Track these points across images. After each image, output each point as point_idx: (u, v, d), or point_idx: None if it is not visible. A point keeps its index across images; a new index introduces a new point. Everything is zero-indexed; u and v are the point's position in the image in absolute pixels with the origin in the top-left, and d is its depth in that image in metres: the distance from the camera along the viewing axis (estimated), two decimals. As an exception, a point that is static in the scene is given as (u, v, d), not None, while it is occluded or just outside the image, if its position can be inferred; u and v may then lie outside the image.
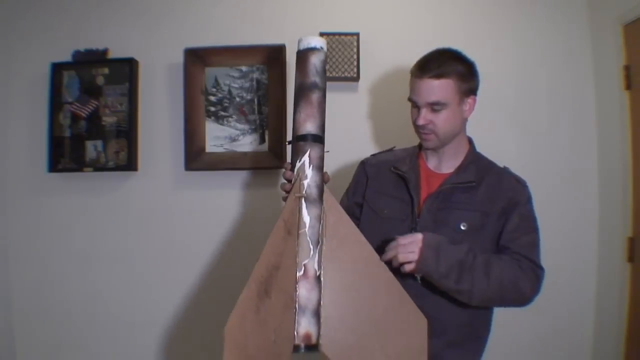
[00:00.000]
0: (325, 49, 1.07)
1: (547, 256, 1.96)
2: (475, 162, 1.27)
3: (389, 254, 1.10)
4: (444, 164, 1.28)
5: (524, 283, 1.14)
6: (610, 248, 1.90)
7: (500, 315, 1.97)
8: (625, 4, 1.79)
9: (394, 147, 1.46)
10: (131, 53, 2.07)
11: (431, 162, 1.30)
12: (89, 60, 2.07)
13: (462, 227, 1.20)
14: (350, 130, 2.00)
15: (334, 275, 1.02)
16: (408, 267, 1.10)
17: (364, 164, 1.43)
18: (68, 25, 2.11)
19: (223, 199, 2.07)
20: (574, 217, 1.98)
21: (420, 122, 1.20)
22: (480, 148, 1.36)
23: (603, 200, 1.96)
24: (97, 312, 2.08)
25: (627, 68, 1.81)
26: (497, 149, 1.97)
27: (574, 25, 2.01)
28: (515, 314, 1.98)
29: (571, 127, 2.00)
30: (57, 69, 2.07)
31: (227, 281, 1.93)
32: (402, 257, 1.09)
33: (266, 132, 2.03)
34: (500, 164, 1.34)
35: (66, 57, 2.09)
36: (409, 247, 1.09)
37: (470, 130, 1.94)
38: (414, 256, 1.09)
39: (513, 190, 1.23)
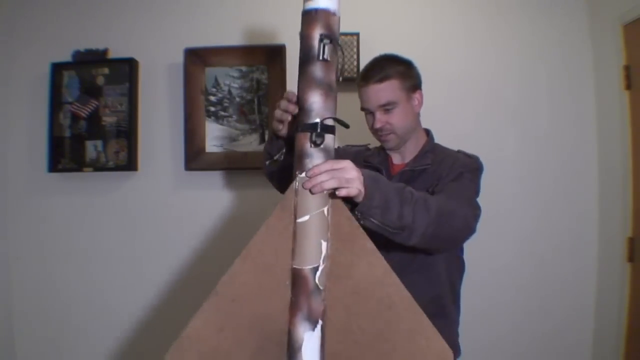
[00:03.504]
0: (323, 6, 0.91)
1: (548, 256, 2.00)
2: (432, 150, 1.32)
3: (321, 177, 0.86)
4: (407, 158, 1.33)
5: (462, 210, 1.09)
6: (610, 248, 1.90)
7: (501, 315, 1.99)
8: (625, 4, 1.79)
9: (369, 144, 1.48)
10: (131, 53, 2.07)
11: (396, 159, 1.36)
12: (89, 60, 2.07)
13: None
14: (350, 130, 2.00)
15: (337, 293, 0.82)
16: (349, 192, 0.88)
17: (336, 150, 1.42)
18: (68, 25, 2.12)
19: (223, 199, 2.07)
20: (574, 217, 1.98)
21: (378, 125, 1.26)
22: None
23: (603, 200, 1.96)
24: (97, 312, 2.08)
25: (627, 68, 1.81)
26: (497, 149, 2.00)
27: (574, 25, 2.01)
28: (515, 313, 1.99)
29: (571, 127, 2.00)
30: (57, 69, 2.07)
31: (227, 281, 1.93)
32: (338, 182, 0.86)
33: (266, 132, 2.03)
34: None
35: (66, 57, 2.09)
36: (347, 172, 0.88)
37: (471, 130, 1.96)
38: (356, 184, 0.88)
39: (461, 162, 1.27)
